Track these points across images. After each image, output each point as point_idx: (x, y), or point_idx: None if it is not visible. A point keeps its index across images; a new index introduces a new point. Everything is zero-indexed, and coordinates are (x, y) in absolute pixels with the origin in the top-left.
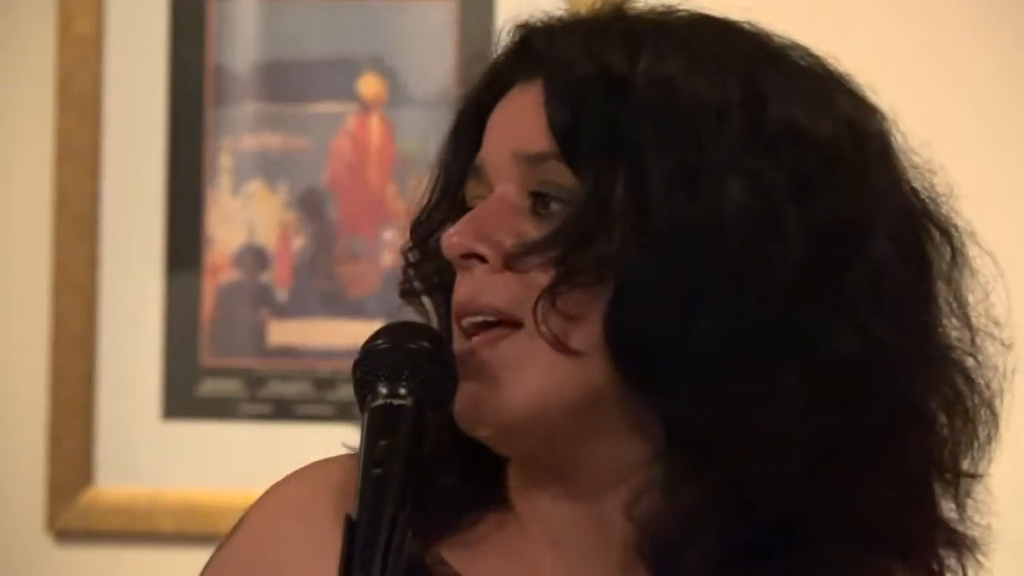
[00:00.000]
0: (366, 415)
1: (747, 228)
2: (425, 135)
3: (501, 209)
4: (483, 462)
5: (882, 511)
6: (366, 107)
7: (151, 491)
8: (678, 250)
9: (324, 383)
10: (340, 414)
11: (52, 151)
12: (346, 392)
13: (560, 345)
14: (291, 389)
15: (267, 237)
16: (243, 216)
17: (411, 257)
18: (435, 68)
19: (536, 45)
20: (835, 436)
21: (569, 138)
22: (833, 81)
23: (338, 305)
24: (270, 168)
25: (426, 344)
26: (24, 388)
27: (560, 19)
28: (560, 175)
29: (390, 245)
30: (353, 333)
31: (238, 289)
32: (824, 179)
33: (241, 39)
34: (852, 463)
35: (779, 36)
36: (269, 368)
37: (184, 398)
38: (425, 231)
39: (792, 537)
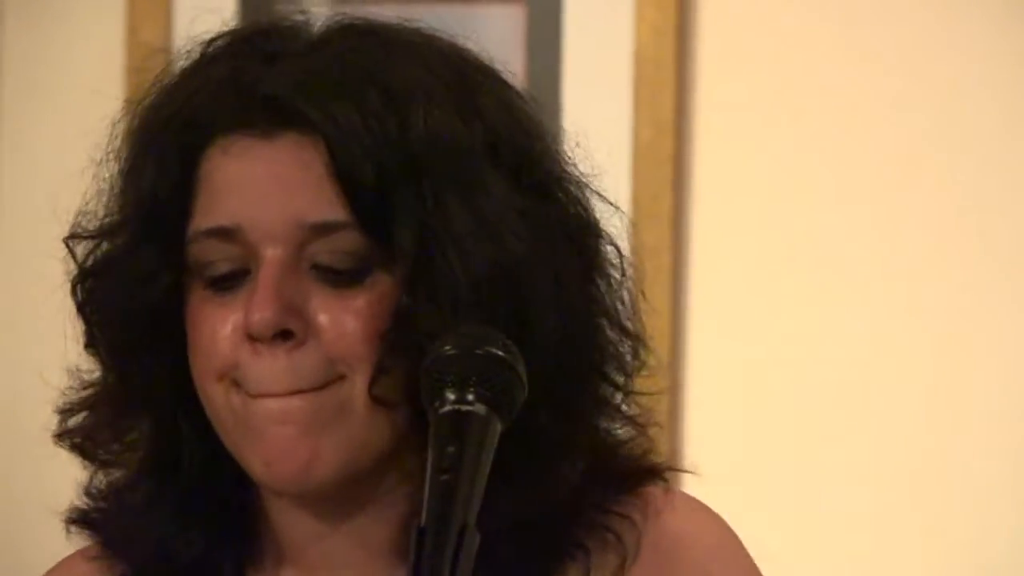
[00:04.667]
0: (434, 421)
1: (536, 265)
2: None
3: (290, 280)
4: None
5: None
6: None
7: None
8: (485, 298)
9: None
10: None
11: None
12: None
13: (380, 400)
14: None
15: None
16: None
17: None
18: None
19: (292, 100)
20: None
21: (366, 206)
22: (516, 89)
23: None
24: None
25: (495, 350)
26: None
27: (312, 70)
28: (353, 243)
29: None
30: None
31: None
32: (568, 199)
33: None
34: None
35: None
36: None
37: None
38: (114, 250)
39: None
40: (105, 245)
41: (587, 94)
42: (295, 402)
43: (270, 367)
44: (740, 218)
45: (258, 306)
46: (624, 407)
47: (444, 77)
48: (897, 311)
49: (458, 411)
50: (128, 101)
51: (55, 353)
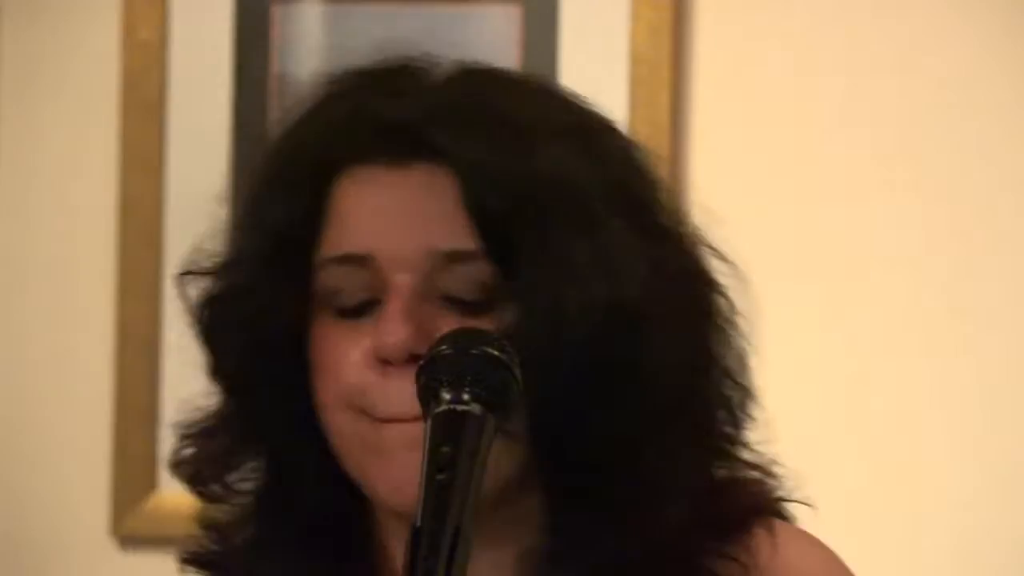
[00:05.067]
0: (429, 421)
1: (651, 308)
2: None
3: (420, 306)
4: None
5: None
6: None
7: None
8: (601, 335)
9: None
10: None
11: (117, 158)
12: None
13: (502, 431)
14: None
15: None
16: None
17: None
18: None
19: (424, 129)
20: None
21: (496, 237)
22: (633, 140)
23: None
24: None
25: (491, 350)
26: (89, 394)
27: (441, 104)
28: (480, 273)
29: None
30: None
31: None
32: (683, 248)
33: (305, 46)
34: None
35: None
36: None
37: None
38: (238, 279)
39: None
40: (229, 275)
41: (583, 94)
42: (423, 427)
43: (399, 390)
44: (736, 219)
45: (391, 329)
46: (733, 452)
47: (568, 121)
48: (896, 308)
49: (453, 411)
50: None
51: (48, 351)
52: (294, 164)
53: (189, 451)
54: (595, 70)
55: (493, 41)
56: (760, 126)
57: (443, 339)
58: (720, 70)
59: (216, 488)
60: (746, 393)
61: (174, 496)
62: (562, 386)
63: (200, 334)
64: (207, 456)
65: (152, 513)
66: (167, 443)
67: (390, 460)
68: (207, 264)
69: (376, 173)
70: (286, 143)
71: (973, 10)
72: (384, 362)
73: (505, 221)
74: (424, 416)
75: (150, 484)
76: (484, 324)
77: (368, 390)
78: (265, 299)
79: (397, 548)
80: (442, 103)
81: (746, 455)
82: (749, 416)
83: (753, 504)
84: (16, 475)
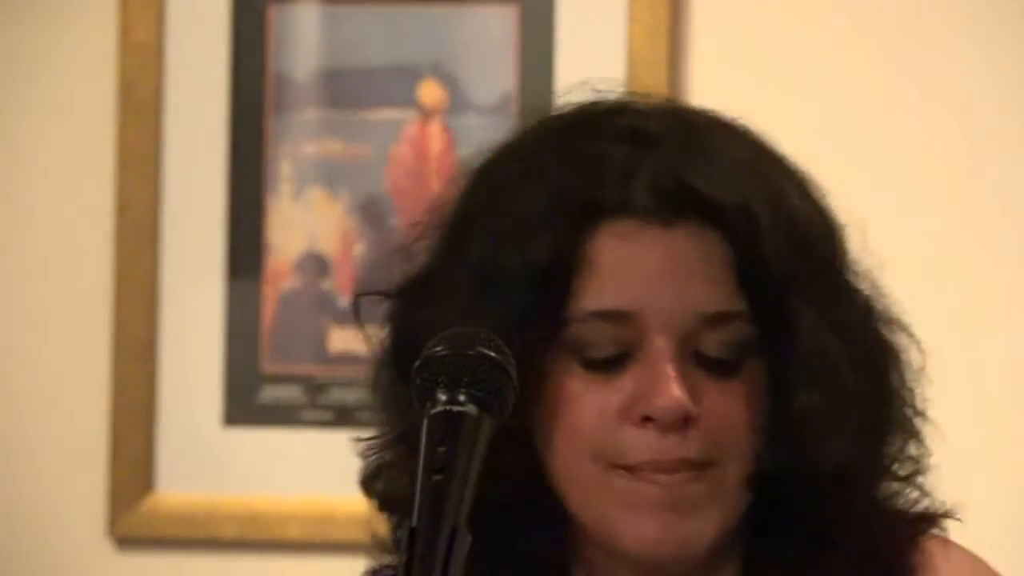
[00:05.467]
0: (425, 422)
1: (878, 356)
2: (485, 142)
3: (684, 366)
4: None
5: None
6: (426, 114)
7: (212, 497)
8: (855, 390)
9: None
10: None
11: (113, 159)
12: None
13: (747, 483)
14: (352, 396)
15: (328, 244)
16: (304, 223)
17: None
18: (496, 75)
19: (695, 191)
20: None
21: (761, 298)
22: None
23: None
24: (331, 175)
25: (486, 351)
26: (85, 395)
27: (691, 154)
28: (740, 333)
29: None
30: None
31: (299, 296)
32: (871, 289)
33: (301, 46)
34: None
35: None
36: (330, 375)
37: (245, 405)
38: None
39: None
40: (461, 310)
41: (580, 94)
42: (678, 479)
43: (660, 439)
44: None
45: (666, 393)
46: (917, 476)
47: (791, 171)
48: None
49: (449, 411)
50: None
51: (44, 353)
52: (548, 208)
53: (386, 473)
54: (591, 71)
55: (489, 41)
56: (757, 127)
57: (439, 339)
58: (717, 72)
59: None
60: (925, 422)
61: (171, 497)
62: (840, 447)
63: (414, 367)
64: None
65: (149, 514)
66: (164, 444)
67: (643, 518)
68: (401, 287)
69: (642, 228)
70: (528, 181)
71: (977, 10)
72: (647, 419)
73: (771, 281)
74: (420, 416)
75: (147, 485)
76: (736, 383)
77: (620, 440)
78: (516, 351)
79: None
80: (700, 159)
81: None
82: (927, 450)
83: (922, 517)
84: (13, 476)
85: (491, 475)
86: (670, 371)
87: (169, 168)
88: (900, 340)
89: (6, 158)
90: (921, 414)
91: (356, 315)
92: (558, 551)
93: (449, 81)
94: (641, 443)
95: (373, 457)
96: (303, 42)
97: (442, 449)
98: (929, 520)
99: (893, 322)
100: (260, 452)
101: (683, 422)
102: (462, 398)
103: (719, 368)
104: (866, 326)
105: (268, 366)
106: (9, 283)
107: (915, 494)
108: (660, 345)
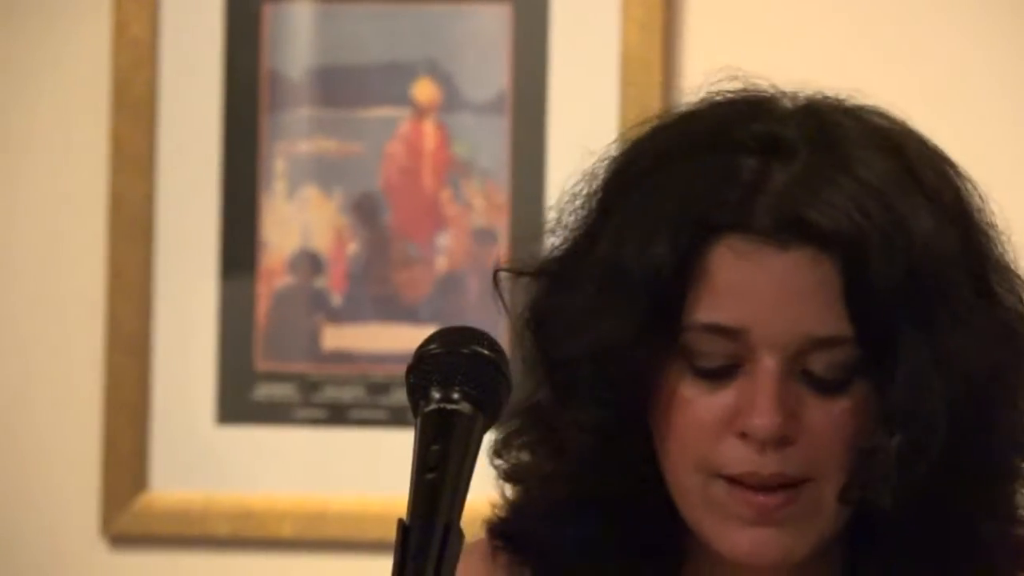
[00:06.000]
0: (419, 420)
1: (1000, 374)
2: (479, 140)
3: (787, 387)
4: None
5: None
6: (420, 112)
7: (206, 495)
8: (959, 414)
9: (378, 388)
10: (394, 419)
11: (107, 155)
12: (400, 397)
13: (847, 503)
14: (345, 394)
15: (322, 242)
16: (298, 221)
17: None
18: (489, 73)
19: (813, 219)
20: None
21: (869, 323)
22: (957, 168)
23: (392, 310)
24: (324, 173)
25: (481, 349)
26: (79, 392)
27: (818, 176)
28: (849, 356)
29: (444, 250)
30: (407, 338)
31: (293, 294)
32: (1009, 290)
33: (296, 44)
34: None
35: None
36: (323, 373)
37: (238, 402)
38: (583, 314)
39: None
40: (580, 302)
41: (574, 93)
42: (775, 498)
43: (758, 454)
44: None
45: (762, 413)
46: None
47: (920, 176)
48: None
49: (443, 409)
50: (622, 141)
51: (38, 350)
52: (672, 217)
53: (514, 457)
54: (586, 69)
55: (483, 39)
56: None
57: (433, 337)
58: (711, 68)
59: (533, 482)
60: None
61: (164, 495)
62: (915, 465)
63: (547, 355)
64: (530, 466)
65: (142, 512)
66: (157, 442)
67: (740, 531)
68: (536, 265)
69: (759, 248)
70: (660, 188)
71: (972, 10)
72: (743, 435)
73: (886, 310)
74: (413, 415)
75: (140, 483)
76: (841, 401)
77: (721, 451)
78: (633, 357)
79: (716, 567)
80: (821, 178)
81: None
82: None
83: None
84: (6, 474)
85: (608, 476)
86: (771, 392)
87: (163, 165)
88: None
89: (1, 153)
90: None
91: (496, 288)
92: (667, 540)
93: (443, 79)
94: (739, 455)
95: (503, 429)
96: (297, 40)
97: (436, 447)
98: None
99: None
100: (253, 450)
101: (779, 440)
102: (456, 396)
103: (824, 387)
104: (987, 355)
105: (261, 364)
106: (3, 280)
107: None
108: (766, 364)
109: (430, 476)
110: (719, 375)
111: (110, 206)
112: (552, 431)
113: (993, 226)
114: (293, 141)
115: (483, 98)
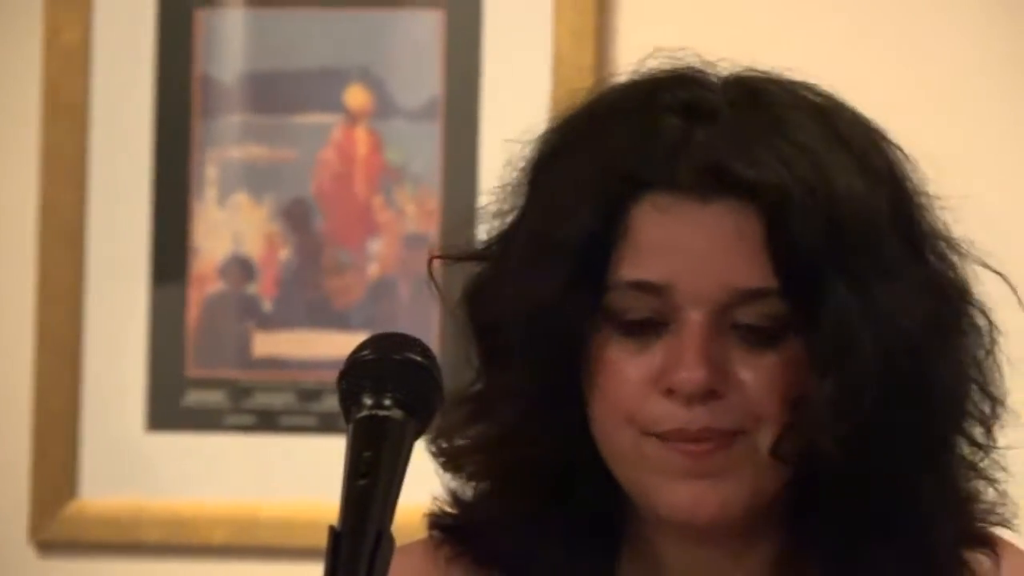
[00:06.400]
0: (351, 426)
1: (931, 336)
2: (411, 146)
3: (714, 341)
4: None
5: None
6: (353, 118)
7: (136, 502)
8: (890, 371)
9: (308, 394)
10: (324, 425)
11: (38, 161)
12: (330, 403)
13: (779, 458)
14: (275, 400)
15: (253, 248)
16: (229, 227)
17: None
18: (422, 79)
19: (735, 169)
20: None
21: (793, 275)
22: (890, 140)
23: (323, 316)
24: (256, 179)
25: (413, 356)
26: (8, 399)
27: (742, 132)
28: (776, 308)
29: (376, 256)
30: (338, 344)
31: (223, 300)
32: (941, 257)
33: (228, 50)
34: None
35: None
36: (254, 379)
37: (169, 409)
38: (527, 284)
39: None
40: (510, 271)
41: (507, 98)
42: (705, 448)
43: (685, 409)
44: None
45: (688, 366)
46: (981, 464)
47: (848, 139)
48: None
49: (375, 416)
50: (550, 122)
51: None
52: (595, 178)
53: (449, 442)
54: (519, 73)
55: (416, 46)
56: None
57: (365, 344)
58: None
59: (470, 468)
60: (999, 403)
61: (94, 502)
62: (849, 428)
63: (474, 321)
64: (469, 449)
65: (72, 519)
66: (87, 449)
67: (674, 486)
68: (470, 250)
69: (680, 203)
70: (581, 151)
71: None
72: (670, 391)
73: (810, 262)
74: (346, 420)
75: (70, 490)
76: (771, 355)
77: (650, 408)
78: (562, 317)
79: (662, 544)
80: (748, 136)
81: (986, 469)
82: (998, 426)
83: (998, 518)
84: None
85: (540, 440)
86: (696, 346)
87: (94, 171)
88: (975, 320)
89: None
90: (993, 399)
91: (431, 277)
92: (607, 512)
93: (376, 85)
94: (667, 412)
95: (442, 416)
96: (230, 46)
97: (368, 454)
98: (987, 524)
99: (966, 301)
100: (184, 456)
101: (706, 395)
102: (388, 402)
103: (755, 339)
104: (918, 307)
105: (192, 370)
106: None
107: (982, 484)
108: (692, 318)
109: (362, 482)
110: (646, 334)
111: (41, 212)
112: (486, 403)
113: (927, 195)
114: (225, 147)
115: (415, 104)
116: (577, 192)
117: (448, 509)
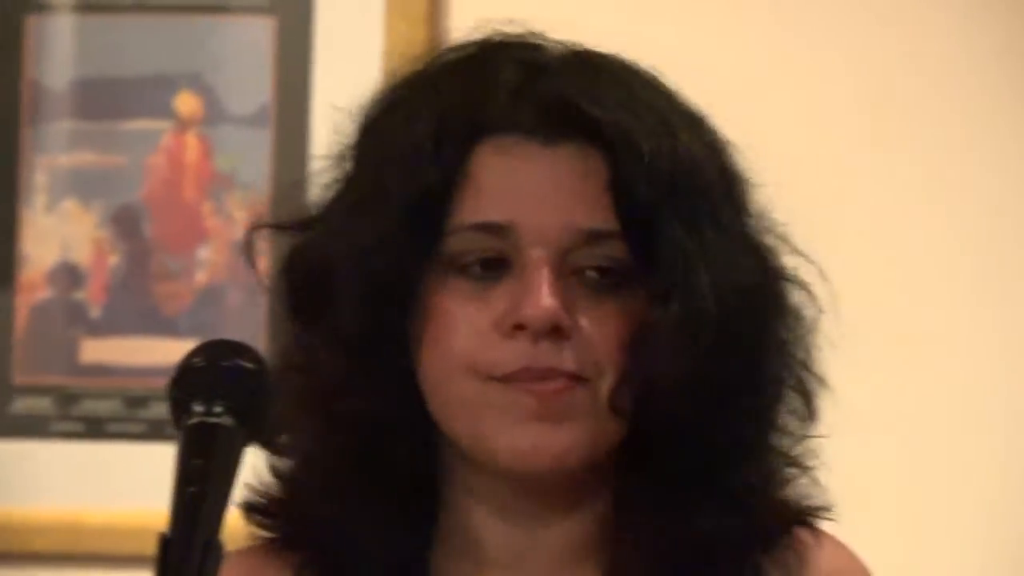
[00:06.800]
0: (182, 434)
1: (761, 297)
2: (241, 153)
3: (560, 283)
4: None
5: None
6: (183, 124)
7: None
8: (726, 323)
9: (136, 401)
10: (152, 432)
11: None
12: (158, 410)
13: (616, 408)
14: (103, 407)
15: (82, 255)
16: (57, 234)
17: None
18: (252, 86)
19: (581, 109)
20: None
21: (634, 218)
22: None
23: (152, 323)
24: (85, 185)
25: (244, 363)
26: None
27: (586, 79)
28: (617, 252)
29: (205, 263)
30: (166, 351)
31: (51, 307)
32: (764, 240)
33: (58, 56)
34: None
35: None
36: (81, 386)
37: None
38: (361, 237)
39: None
40: (345, 231)
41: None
42: (551, 388)
43: (532, 348)
44: None
45: (537, 300)
46: (791, 450)
47: (684, 109)
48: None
49: (205, 423)
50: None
51: None
52: (433, 126)
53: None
54: (350, 81)
55: (247, 52)
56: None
57: (196, 351)
58: None
59: (283, 440)
60: (819, 383)
61: (4, 511)
62: (687, 366)
63: (290, 279)
64: (283, 415)
65: None
66: None
67: (518, 429)
68: (293, 216)
69: (523, 145)
70: (417, 103)
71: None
72: (518, 327)
73: (650, 206)
74: (176, 428)
75: None
76: (613, 302)
77: (494, 352)
78: (393, 260)
79: (473, 507)
80: (591, 82)
81: (802, 453)
82: (813, 409)
83: (804, 508)
84: None
85: (363, 391)
86: (543, 280)
87: None
88: (795, 297)
89: None
90: (810, 372)
91: (248, 250)
92: (427, 471)
93: (206, 92)
94: (514, 352)
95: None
96: (60, 52)
97: (197, 461)
98: (809, 508)
99: (786, 277)
100: (10, 464)
101: (555, 332)
102: (218, 409)
103: (596, 285)
104: (748, 264)
105: (19, 377)
106: None
107: (800, 467)
108: (534, 257)
109: (192, 490)
110: (486, 279)
111: None
112: (308, 356)
113: (750, 179)
114: (54, 154)
115: (246, 111)
116: (413, 142)
117: (263, 491)
